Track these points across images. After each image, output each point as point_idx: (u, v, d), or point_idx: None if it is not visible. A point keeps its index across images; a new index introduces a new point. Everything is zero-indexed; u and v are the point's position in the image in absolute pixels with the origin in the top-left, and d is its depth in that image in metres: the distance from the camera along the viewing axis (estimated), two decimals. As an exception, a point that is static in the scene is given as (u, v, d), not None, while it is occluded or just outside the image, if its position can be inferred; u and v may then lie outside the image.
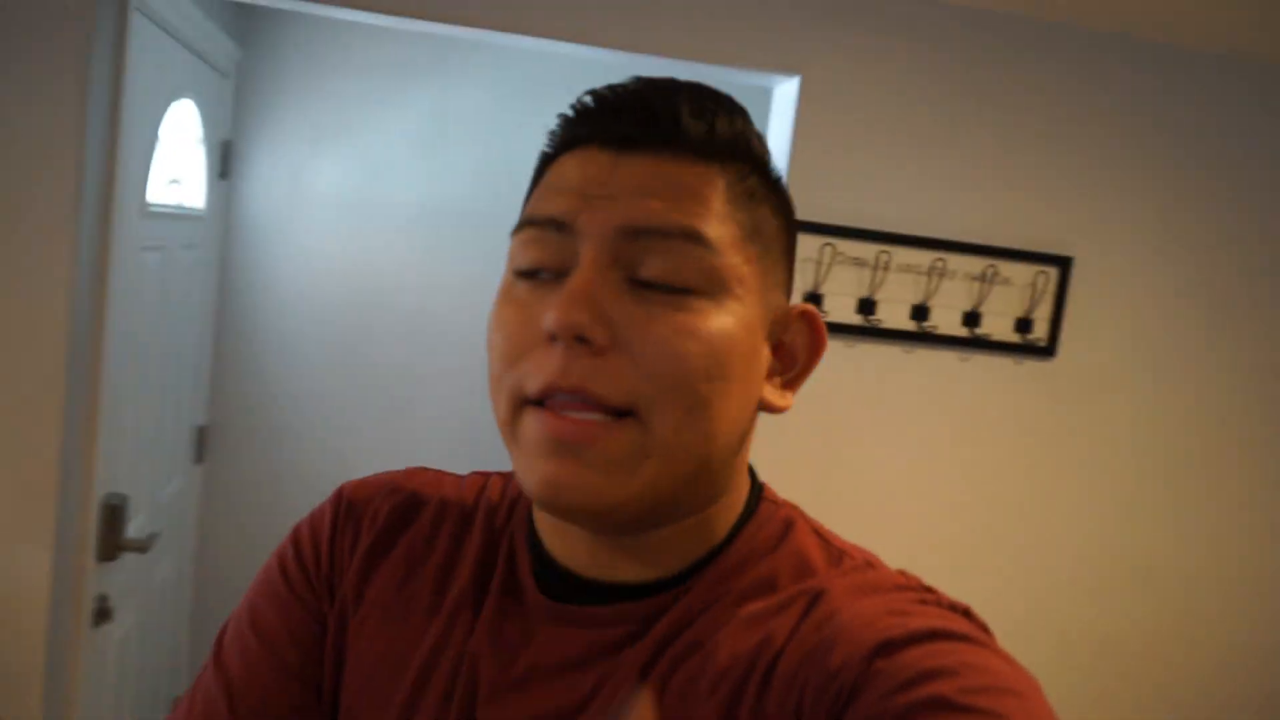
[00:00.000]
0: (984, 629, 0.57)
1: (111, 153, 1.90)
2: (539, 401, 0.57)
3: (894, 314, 2.02)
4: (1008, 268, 2.04)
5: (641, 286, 0.57)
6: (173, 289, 2.47)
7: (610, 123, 0.60)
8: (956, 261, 2.02)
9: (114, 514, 2.06)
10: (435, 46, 2.91)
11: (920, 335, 2.03)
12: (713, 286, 0.57)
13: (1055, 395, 2.10)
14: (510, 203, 2.98)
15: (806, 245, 1.96)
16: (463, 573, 0.68)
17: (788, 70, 1.97)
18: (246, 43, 2.83)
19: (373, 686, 0.66)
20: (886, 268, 1.99)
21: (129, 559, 2.19)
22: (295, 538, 0.75)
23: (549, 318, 0.55)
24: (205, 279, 2.78)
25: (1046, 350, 2.07)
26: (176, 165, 2.42)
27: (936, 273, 2.01)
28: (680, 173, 0.58)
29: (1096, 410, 2.12)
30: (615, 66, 2.95)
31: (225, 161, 2.82)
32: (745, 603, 0.60)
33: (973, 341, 2.05)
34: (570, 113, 0.63)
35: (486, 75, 2.95)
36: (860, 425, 2.06)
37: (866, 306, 2.00)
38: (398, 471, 0.77)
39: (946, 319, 2.04)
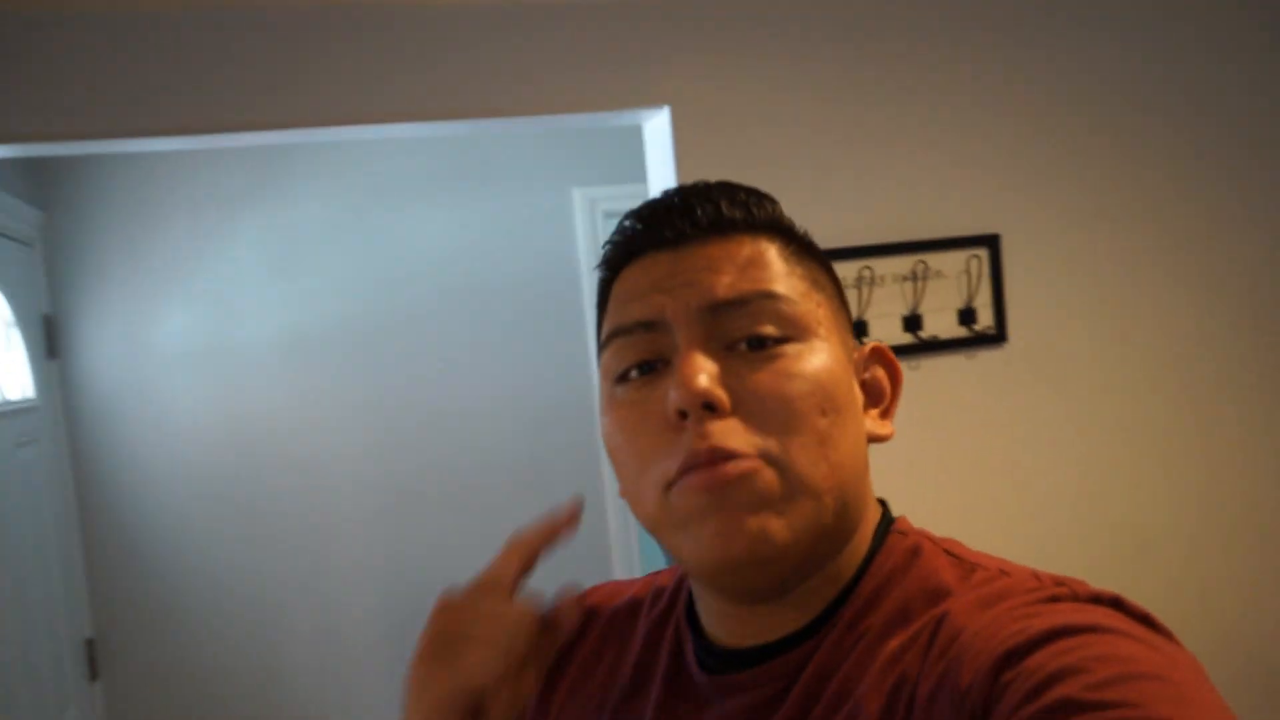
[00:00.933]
0: (1135, 616, 0.53)
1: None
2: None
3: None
4: (937, 259, 1.87)
5: (737, 351, 0.60)
6: (12, 496, 2.13)
7: (660, 229, 0.64)
8: (883, 266, 1.85)
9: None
10: (268, 164, 2.65)
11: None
12: (799, 331, 0.61)
13: (1013, 380, 1.94)
14: (384, 313, 2.72)
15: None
16: (627, 669, 0.71)
17: (654, 103, 1.79)
18: (50, 204, 2.51)
19: None
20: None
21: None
22: None
23: (674, 397, 0.58)
24: (54, 473, 2.43)
25: (996, 338, 1.91)
26: (-10, 356, 2.09)
27: (865, 282, 1.84)
28: (736, 248, 0.63)
29: (1055, 387, 1.97)
30: (478, 137, 2.74)
31: (50, 338, 2.49)
32: (883, 641, 0.59)
33: (918, 346, 1.87)
34: (618, 237, 0.67)
35: (330, 182, 2.70)
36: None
37: (800, 335, 1.81)
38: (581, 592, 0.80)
39: (885, 329, 1.86)
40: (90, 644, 2.52)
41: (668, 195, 0.67)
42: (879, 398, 0.68)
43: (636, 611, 0.76)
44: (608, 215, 2.89)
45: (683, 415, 0.59)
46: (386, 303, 2.72)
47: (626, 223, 0.67)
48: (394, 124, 1.77)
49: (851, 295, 1.83)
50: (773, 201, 0.68)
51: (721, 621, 0.67)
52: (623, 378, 0.64)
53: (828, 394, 0.61)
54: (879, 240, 1.85)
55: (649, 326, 0.62)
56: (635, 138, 2.68)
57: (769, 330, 0.61)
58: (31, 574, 2.19)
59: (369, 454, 2.71)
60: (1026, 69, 1.94)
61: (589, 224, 2.87)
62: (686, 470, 0.59)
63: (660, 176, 1.87)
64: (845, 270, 1.83)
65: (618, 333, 0.64)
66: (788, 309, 0.61)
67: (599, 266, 0.70)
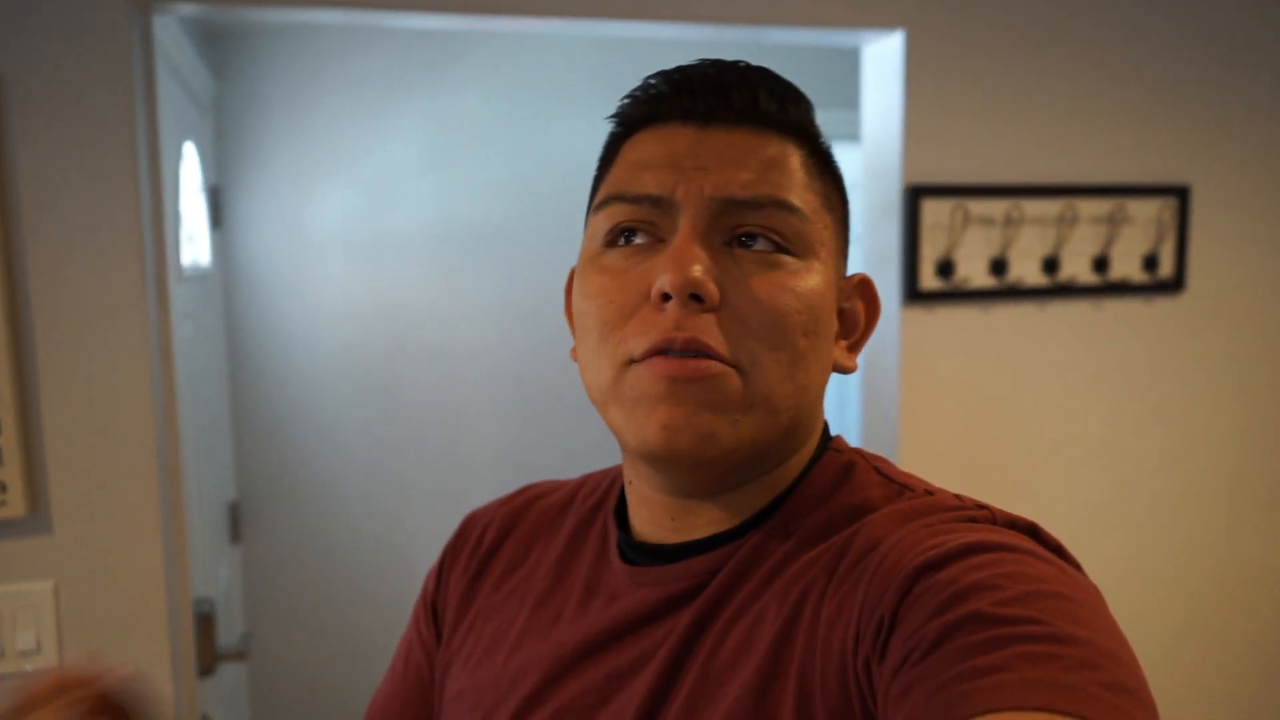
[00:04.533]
0: (1049, 545, 0.56)
1: (158, 213, 1.63)
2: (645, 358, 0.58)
3: (1027, 271, 1.91)
4: (1133, 205, 1.95)
5: (738, 250, 0.60)
6: (200, 359, 2.20)
7: (690, 100, 0.62)
8: (1083, 207, 1.92)
9: (206, 622, 1.81)
10: (430, 49, 2.67)
11: (1054, 290, 1.93)
12: (802, 249, 0.61)
13: (1186, 330, 2.03)
14: (534, 215, 2.79)
15: (936, 211, 1.83)
16: (551, 562, 0.73)
17: (887, 25, 1.83)
18: (221, 73, 2.54)
19: (471, 689, 0.71)
20: (1020, 222, 1.88)
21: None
22: (429, 573, 0.82)
23: (664, 279, 0.57)
24: (217, 341, 2.50)
25: (1174, 285, 2.00)
26: (189, 219, 2.14)
27: (1066, 222, 1.91)
28: (763, 145, 0.62)
29: (1228, 340, 2.06)
30: (637, 44, 2.75)
31: (216, 209, 2.53)
32: (801, 551, 0.60)
33: (1104, 288, 1.96)
34: (640, 94, 0.65)
35: (493, 76, 2.72)
36: (1001, 393, 1.94)
37: (999, 267, 1.89)
38: (516, 489, 0.83)
39: (1077, 268, 1.94)
40: (234, 507, 2.61)
41: (703, 66, 0.64)
42: (852, 330, 0.68)
43: (567, 507, 0.77)
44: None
45: (666, 298, 0.58)
46: (534, 206, 2.76)
47: (653, 80, 0.65)
48: (582, 19, 1.73)
49: (1049, 232, 1.90)
50: (808, 103, 0.66)
51: (651, 515, 0.67)
52: (612, 243, 0.62)
53: (815, 316, 0.61)
54: (1081, 180, 1.92)
55: (656, 202, 0.60)
56: (807, 62, 2.71)
57: (775, 239, 0.60)
58: (199, 436, 2.27)
59: (505, 352, 2.78)
60: (1239, 30, 1.99)
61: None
62: (654, 353, 0.58)
63: (882, 110, 1.90)
64: (1047, 208, 1.90)
65: (621, 198, 0.62)
66: (798, 224, 0.60)
67: (612, 118, 0.67)
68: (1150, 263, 1.98)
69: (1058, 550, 0.55)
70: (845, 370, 0.66)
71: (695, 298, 0.57)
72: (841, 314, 0.67)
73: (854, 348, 0.68)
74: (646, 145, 0.63)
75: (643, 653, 0.62)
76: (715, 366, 0.57)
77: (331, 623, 2.72)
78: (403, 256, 2.70)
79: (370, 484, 2.73)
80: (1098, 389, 2.00)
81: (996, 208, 1.87)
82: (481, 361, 2.78)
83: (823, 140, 0.66)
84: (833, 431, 0.70)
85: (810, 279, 0.60)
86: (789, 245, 0.60)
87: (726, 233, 0.60)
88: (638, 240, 0.61)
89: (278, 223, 2.61)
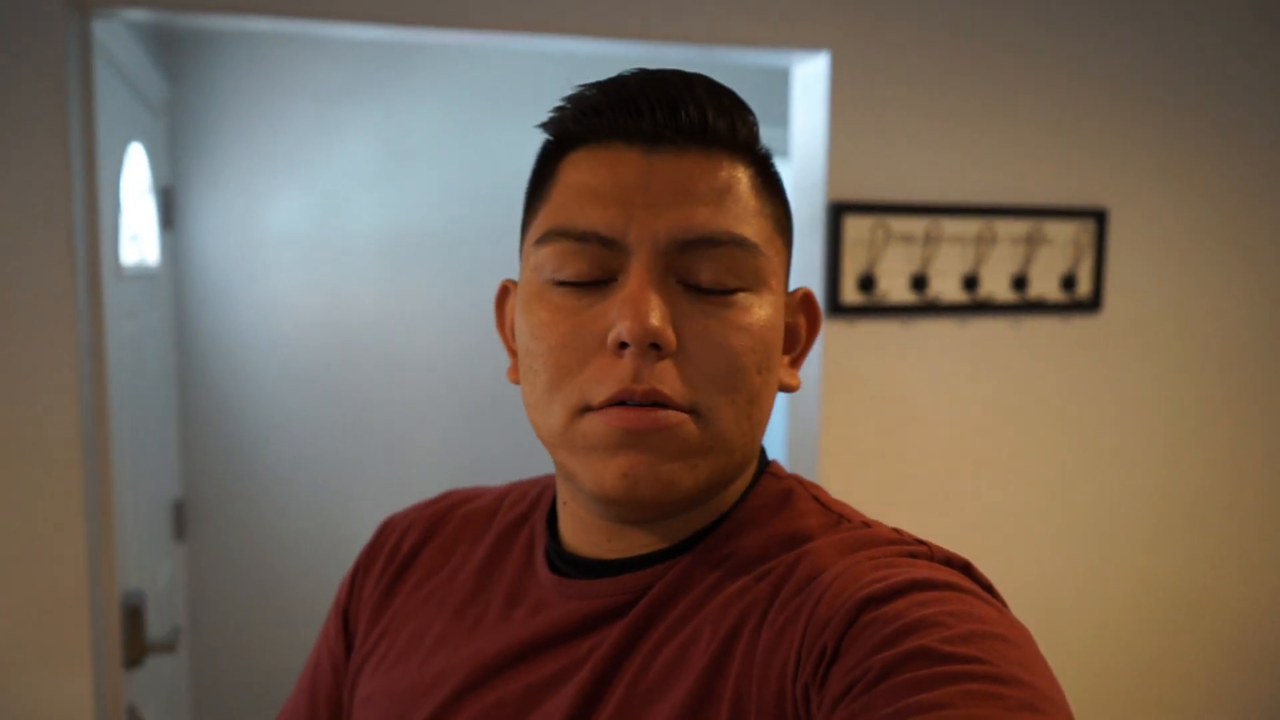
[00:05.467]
0: (980, 582, 0.57)
1: (92, 212, 1.67)
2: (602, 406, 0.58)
3: (947, 287, 1.97)
4: (1050, 227, 2.01)
5: (691, 289, 0.58)
6: (145, 357, 2.23)
7: (633, 117, 0.59)
8: (1001, 227, 1.98)
9: (135, 615, 1.84)
10: (382, 62, 2.71)
11: (973, 306, 1.98)
12: (755, 283, 0.60)
13: (1104, 349, 2.09)
14: (482, 221, 2.85)
15: (858, 227, 1.89)
16: (473, 568, 0.72)
17: (812, 47, 1.89)
18: (176, 77, 2.58)
19: (382, 693, 0.69)
20: (939, 240, 1.94)
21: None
22: (343, 579, 0.80)
23: (622, 328, 0.55)
24: (164, 340, 2.53)
25: (1092, 304, 2.06)
26: (133, 219, 2.17)
27: (984, 241, 1.97)
28: (714, 169, 0.59)
29: (1144, 359, 2.12)
30: (593, 60, 2.80)
31: (167, 210, 2.57)
32: (736, 576, 0.60)
33: (1023, 306, 2.02)
34: (575, 105, 0.61)
35: (443, 86, 2.77)
36: (920, 406, 2.00)
37: (919, 283, 1.95)
38: (438, 495, 0.81)
39: (996, 286, 2.00)
40: (179, 505, 2.64)
41: (642, 77, 0.60)
42: (794, 345, 0.67)
43: (492, 514, 0.76)
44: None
45: (623, 346, 0.56)
46: (482, 212, 2.81)
47: (589, 92, 0.61)
48: (525, 34, 1.77)
49: (968, 251, 1.96)
50: (753, 115, 0.63)
51: (585, 533, 0.66)
52: (559, 279, 0.60)
53: (767, 351, 0.60)
54: (997, 202, 1.98)
55: (607, 243, 0.58)
56: (742, 77, 2.77)
57: (729, 279, 0.59)
58: (144, 432, 2.30)
59: (454, 354, 2.83)
60: (1162, 53, 2.06)
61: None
62: (616, 402, 0.57)
63: (809, 128, 1.96)
64: (966, 227, 1.96)
65: (566, 234, 0.59)
66: (752, 259, 0.59)
67: (545, 126, 0.64)
68: (1068, 282, 2.04)
69: (988, 588, 0.57)
70: (789, 389, 0.65)
71: (654, 346, 0.56)
72: (786, 330, 0.65)
73: (795, 363, 0.67)
74: (590, 169, 0.59)
75: (565, 667, 0.61)
76: (673, 416, 0.57)
77: (277, 620, 2.75)
78: (353, 260, 2.74)
79: (318, 484, 2.76)
80: (1016, 404, 2.06)
81: (916, 225, 1.93)
82: (430, 364, 2.82)
83: (769, 157, 0.64)
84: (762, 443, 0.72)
85: (762, 312, 0.60)
86: (743, 283, 0.59)
87: (682, 273, 0.58)
88: (587, 277, 0.59)
89: (230, 224, 2.65)
